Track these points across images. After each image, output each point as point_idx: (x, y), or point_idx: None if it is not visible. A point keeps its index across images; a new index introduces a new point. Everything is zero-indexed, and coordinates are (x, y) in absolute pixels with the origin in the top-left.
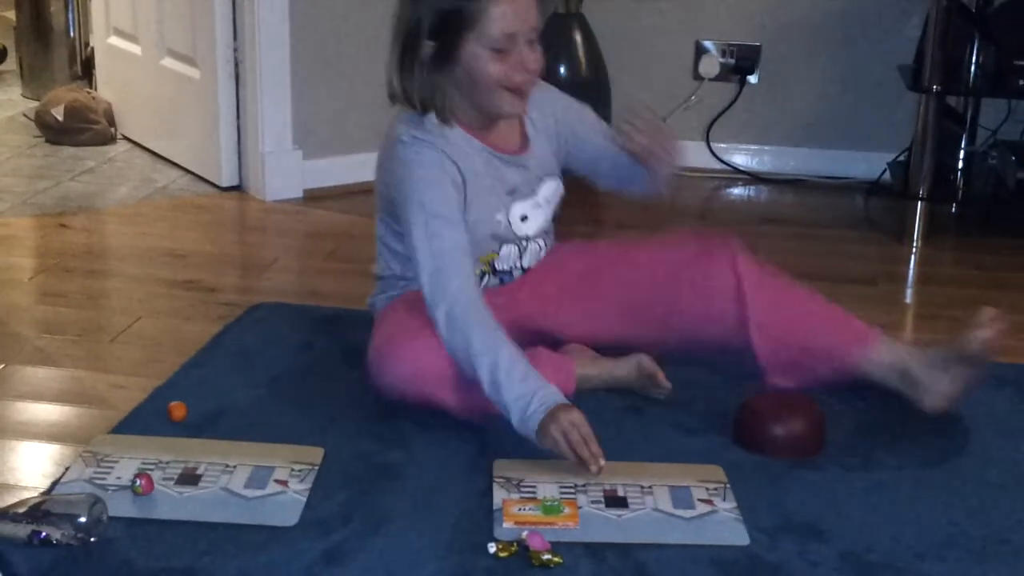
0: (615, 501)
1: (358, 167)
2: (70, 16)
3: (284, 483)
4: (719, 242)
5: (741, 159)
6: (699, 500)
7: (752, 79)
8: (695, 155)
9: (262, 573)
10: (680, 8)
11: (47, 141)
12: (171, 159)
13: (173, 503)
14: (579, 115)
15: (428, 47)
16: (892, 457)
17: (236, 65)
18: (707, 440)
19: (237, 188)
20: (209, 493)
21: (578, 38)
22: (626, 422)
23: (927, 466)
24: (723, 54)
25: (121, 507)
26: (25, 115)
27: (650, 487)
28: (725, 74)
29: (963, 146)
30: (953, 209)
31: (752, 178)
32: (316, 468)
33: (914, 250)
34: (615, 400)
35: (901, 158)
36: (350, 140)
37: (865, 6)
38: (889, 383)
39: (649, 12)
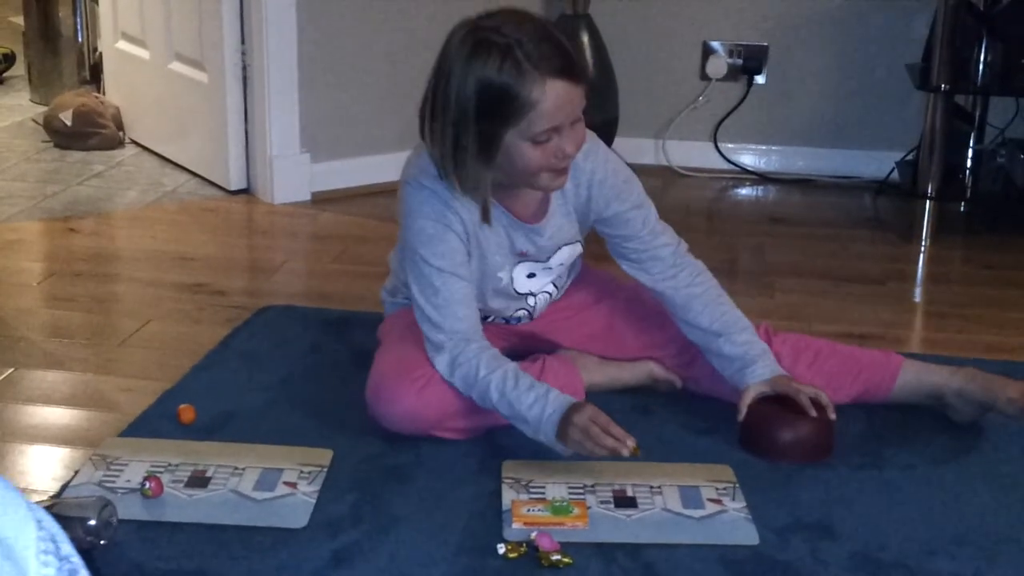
0: (624, 501)
1: (366, 170)
2: (78, 21)
3: (293, 485)
4: None
5: (749, 159)
6: (708, 500)
7: (760, 79)
8: (703, 155)
9: (271, 575)
10: (687, 9)
11: (55, 146)
12: (179, 163)
13: (182, 506)
14: (615, 193)
15: (472, 136)
16: (902, 456)
17: (244, 69)
18: (716, 440)
19: (245, 191)
20: (218, 495)
21: (585, 39)
22: (635, 422)
23: (937, 465)
24: (730, 54)
25: (131, 510)
26: (34, 120)
27: (659, 487)
28: (733, 74)
29: (972, 145)
30: (962, 208)
31: (760, 178)
32: (325, 470)
33: (923, 249)
34: (623, 400)
35: (909, 157)
36: (358, 143)
37: (872, 5)
38: (919, 403)
39: (656, 13)
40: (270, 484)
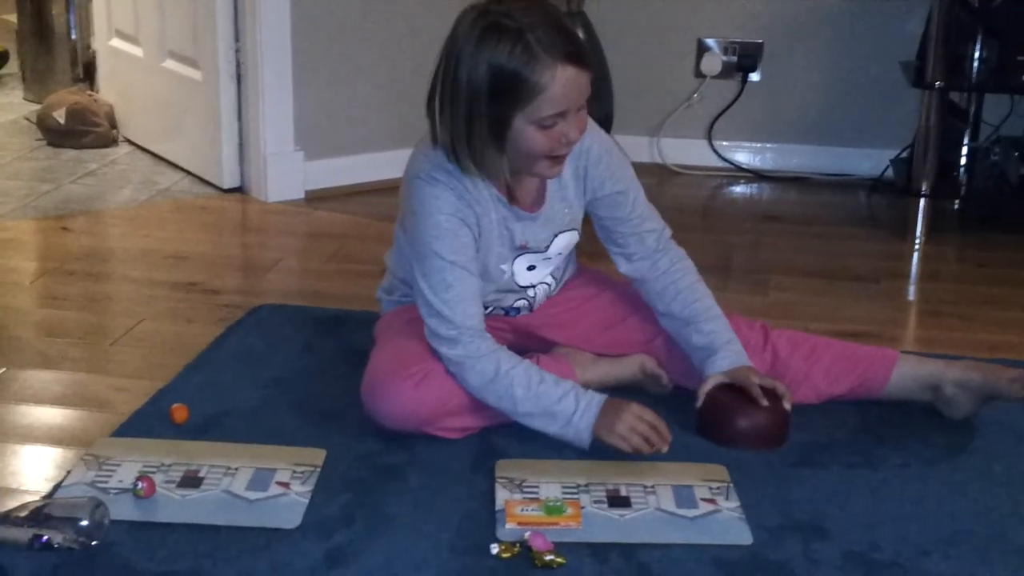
0: (618, 501)
1: (360, 168)
2: (71, 18)
3: (286, 485)
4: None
5: (743, 157)
6: (702, 499)
7: (754, 76)
8: (697, 153)
9: (265, 575)
10: (682, 6)
11: (49, 144)
12: (173, 161)
13: (175, 506)
14: (610, 172)
15: (483, 119)
16: (896, 455)
17: (238, 66)
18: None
19: (239, 190)
20: (211, 496)
21: (580, 36)
22: None
23: (931, 464)
24: (725, 52)
25: (123, 510)
26: (27, 118)
27: (653, 487)
28: (727, 71)
29: (966, 142)
30: (956, 205)
31: (754, 176)
32: (318, 470)
33: (917, 247)
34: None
35: (904, 155)
36: (352, 141)
37: (867, 3)
38: (915, 397)
39: (651, 10)
40: (263, 484)
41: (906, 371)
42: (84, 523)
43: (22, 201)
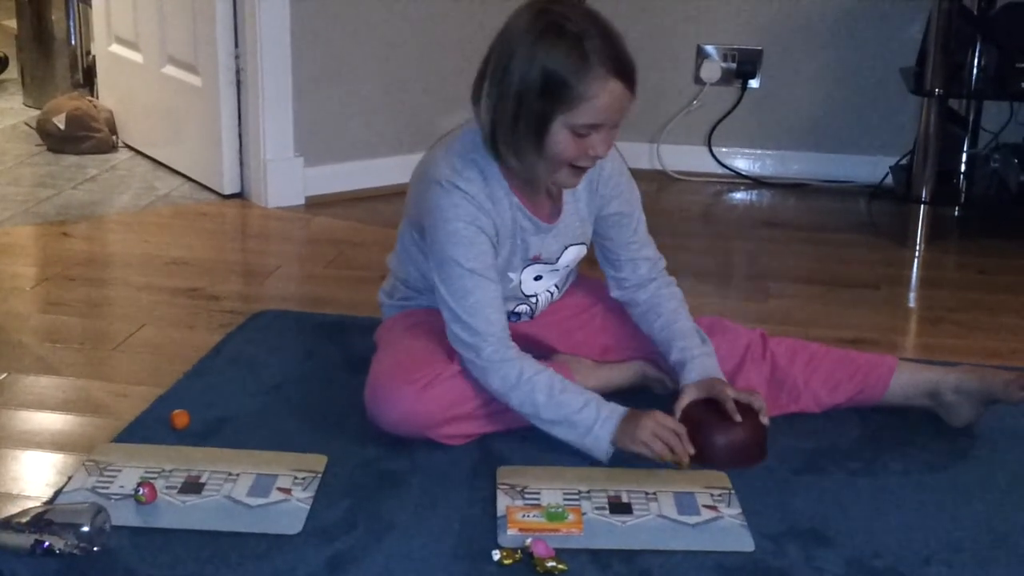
0: (620, 507)
1: (360, 174)
2: (71, 24)
3: (287, 491)
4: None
5: (743, 163)
6: (704, 506)
7: (754, 83)
8: (697, 160)
9: None
10: (681, 13)
11: (49, 150)
12: (173, 167)
13: (176, 512)
14: (618, 192)
15: (528, 114)
16: (897, 462)
17: (238, 72)
18: None
19: (239, 195)
20: (212, 502)
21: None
22: None
23: (933, 471)
24: (724, 58)
25: (124, 516)
26: (27, 124)
27: (655, 493)
28: (727, 78)
29: (965, 149)
30: (956, 212)
31: (754, 182)
32: (319, 476)
33: (917, 254)
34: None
35: (903, 162)
36: (352, 147)
37: (866, 9)
38: (915, 404)
39: (650, 17)
40: (264, 490)
41: (905, 378)
42: (85, 529)
43: (22, 207)
